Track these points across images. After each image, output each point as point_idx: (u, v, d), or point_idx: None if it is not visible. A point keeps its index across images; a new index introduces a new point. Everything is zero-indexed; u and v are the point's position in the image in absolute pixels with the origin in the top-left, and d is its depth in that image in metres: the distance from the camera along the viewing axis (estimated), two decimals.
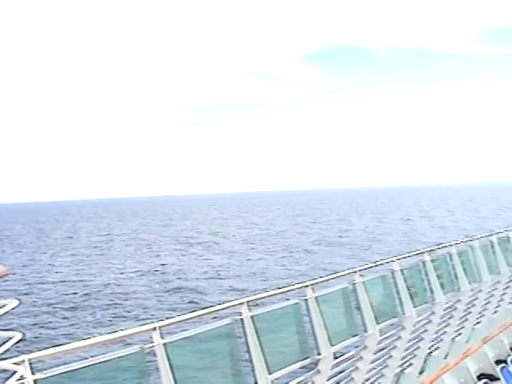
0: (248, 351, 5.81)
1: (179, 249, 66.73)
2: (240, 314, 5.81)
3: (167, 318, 5.17)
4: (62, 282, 44.37)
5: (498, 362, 11.22)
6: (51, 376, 3.97)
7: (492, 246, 12.49)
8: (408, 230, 76.58)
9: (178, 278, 43.48)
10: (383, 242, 60.90)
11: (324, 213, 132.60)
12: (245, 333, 5.81)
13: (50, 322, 30.22)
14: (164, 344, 4.89)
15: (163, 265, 52.02)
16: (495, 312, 12.78)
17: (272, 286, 33.40)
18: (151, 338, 4.87)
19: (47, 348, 4.17)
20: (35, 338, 26.15)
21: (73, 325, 29.47)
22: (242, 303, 5.86)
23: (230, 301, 5.94)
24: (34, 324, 29.65)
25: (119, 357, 4.52)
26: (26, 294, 37.99)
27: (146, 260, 56.89)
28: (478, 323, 11.90)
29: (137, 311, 31.97)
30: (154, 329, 4.88)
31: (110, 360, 4.44)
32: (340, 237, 70.06)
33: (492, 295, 12.27)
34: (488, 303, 12.17)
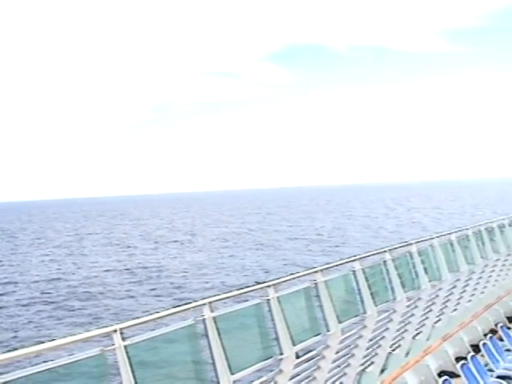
0: (210, 352, 5.80)
1: (151, 247, 66.49)
2: (202, 314, 5.79)
3: (129, 320, 5.13)
4: (35, 282, 43.95)
5: (458, 359, 11.38)
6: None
7: (451, 245, 12.68)
8: (369, 226, 77.57)
9: (149, 277, 43.25)
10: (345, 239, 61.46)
11: (290, 211, 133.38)
12: (207, 333, 5.80)
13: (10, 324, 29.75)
14: (125, 346, 4.84)
15: (137, 263, 51.77)
16: (455, 310, 12.99)
17: (234, 284, 33.83)
18: (112, 340, 4.82)
19: (3, 353, 4.10)
20: None
21: (36, 327, 29.02)
22: (205, 304, 5.84)
23: (193, 301, 5.91)
24: None
25: (79, 360, 4.46)
26: None
27: (119, 259, 56.47)
28: (438, 321, 12.08)
29: (102, 312, 31.64)
30: (115, 331, 4.82)
31: (70, 363, 4.38)
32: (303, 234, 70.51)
33: (452, 293, 12.46)
34: (448, 301, 12.36)
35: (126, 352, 4.83)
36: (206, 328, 5.79)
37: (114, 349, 4.78)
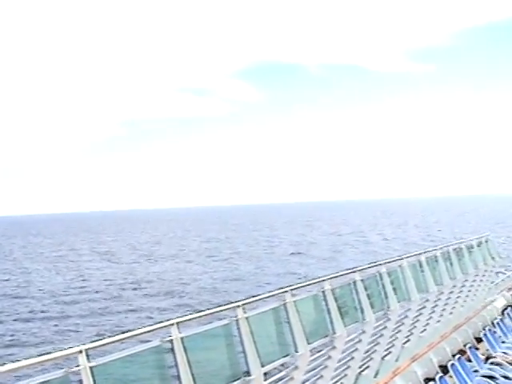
0: (177, 373, 5.73)
1: (117, 264, 65.79)
2: (170, 335, 5.73)
3: (95, 341, 5.05)
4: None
5: (426, 380, 11.43)
6: None
7: (420, 265, 12.77)
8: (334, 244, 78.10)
9: (116, 296, 42.72)
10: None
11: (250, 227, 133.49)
12: (174, 354, 5.73)
13: None
14: (91, 367, 4.76)
15: (101, 281, 51.09)
16: (424, 330, 13.04)
17: (203, 303, 33.60)
18: (77, 361, 4.74)
19: None
20: None
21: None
22: (172, 324, 5.78)
23: (160, 322, 5.85)
24: None
25: (43, 382, 4.37)
26: None
27: (81, 275, 55.79)
28: (407, 341, 12.11)
29: (67, 332, 31.15)
30: (80, 351, 4.74)
31: None
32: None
33: (420, 314, 12.52)
34: (417, 322, 12.41)
35: (92, 373, 4.75)
36: (173, 349, 5.72)
37: (78, 370, 4.70)
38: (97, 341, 5.08)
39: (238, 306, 6.74)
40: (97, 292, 45.61)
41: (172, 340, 5.72)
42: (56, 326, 33.09)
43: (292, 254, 70.89)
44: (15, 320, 35.08)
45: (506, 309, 17.89)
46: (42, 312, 37.50)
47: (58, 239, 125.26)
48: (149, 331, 5.60)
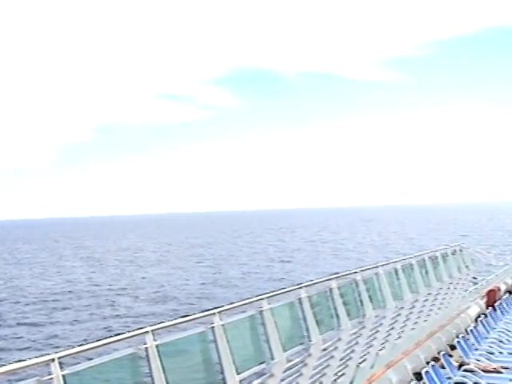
0: (152, 381, 5.66)
1: (90, 270, 65.24)
2: (145, 342, 5.67)
3: (67, 349, 4.98)
4: None
5: None
6: None
7: (396, 273, 12.84)
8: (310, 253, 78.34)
9: (87, 305, 42.28)
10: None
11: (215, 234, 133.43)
12: (149, 362, 5.67)
13: None
14: (63, 375, 4.69)
15: (77, 287, 50.59)
16: (399, 338, 13.10)
17: (179, 311, 33.42)
18: (50, 369, 4.66)
19: None
20: None
21: None
22: (147, 332, 5.72)
23: (135, 329, 5.79)
24: None
25: None
26: None
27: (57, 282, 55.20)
28: (382, 349, 12.15)
29: (41, 339, 30.76)
30: (53, 360, 4.67)
31: None
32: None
33: (396, 321, 12.57)
34: (392, 329, 12.46)
35: (65, 382, 4.68)
36: (148, 356, 5.66)
37: (51, 378, 4.62)
38: (70, 349, 5.01)
39: (214, 314, 6.70)
40: (78, 298, 45.18)
41: (147, 348, 5.65)
42: (31, 333, 32.69)
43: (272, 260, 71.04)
44: None
45: (479, 316, 18.05)
46: (16, 319, 37.01)
47: (39, 244, 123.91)
48: (123, 339, 5.53)
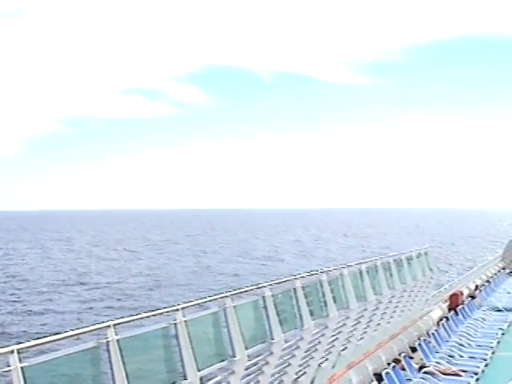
0: (112, 376, 5.67)
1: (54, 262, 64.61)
2: (106, 336, 5.66)
3: (27, 341, 4.96)
4: None
5: None
6: None
7: (361, 275, 12.96)
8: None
9: (50, 298, 41.87)
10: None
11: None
12: (110, 357, 5.66)
13: None
14: (22, 367, 4.67)
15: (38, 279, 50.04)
16: (361, 338, 13.23)
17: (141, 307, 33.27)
18: (8, 361, 4.64)
19: None
20: None
21: None
22: (109, 326, 5.72)
23: (97, 323, 5.78)
24: None
25: None
26: None
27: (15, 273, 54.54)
28: (344, 349, 12.26)
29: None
30: (12, 351, 4.65)
31: None
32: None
33: (359, 322, 12.69)
34: (355, 330, 12.57)
35: (23, 374, 4.66)
36: (108, 351, 5.66)
37: (9, 370, 4.60)
38: (30, 341, 4.99)
39: (178, 310, 6.72)
40: (35, 291, 44.73)
41: (108, 341, 5.65)
42: None
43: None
44: None
45: (441, 319, 18.32)
46: None
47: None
48: (85, 332, 5.52)
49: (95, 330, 5.63)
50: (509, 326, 18.99)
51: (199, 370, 6.77)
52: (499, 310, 21.80)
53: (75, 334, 5.39)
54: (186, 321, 6.75)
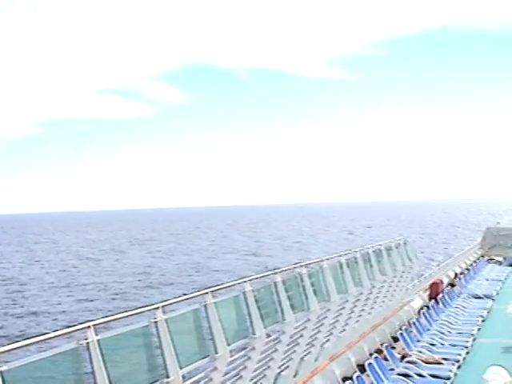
0: (93, 377, 5.64)
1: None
2: (86, 337, 5.63)
3: (5, 344, 4.92)
4: None
5: (344, 379, 11.64)
6: None
7: (341, 267, 13.02)
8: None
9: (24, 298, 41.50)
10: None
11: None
12: (90, 358, 5.64)
13: None
14: (1, 372, 4.64)
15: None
16: (343, 330, 13.30)
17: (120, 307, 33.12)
18: None
19: None
20: None
21: None
22: (89, 326, 5.69)
23: (77, 324, 5.75)
24: None
25: None
26: None
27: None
28: (326, 342, 12.32)
29: None
30: None
31: None
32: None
33: (340, 314, 12.76)
34: (336, 322, 12.64)
35: (3, 379, 4.63)
36: (89, 352, 5.63)
37: None
38: (9, 344, 4.95)
39: (157, 308, 6.70)
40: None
41: (88, 343, 5.63)
42: None
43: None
44: None
45: (422, 309, 18.46)
46: None
47: None
48: (64, 334, 5.49)
49: (75, 331, 5.60)
50: (488, 312, 19.21)
51: (181, 368, 6.76)
52: (479, 297, 22.04)
53: (55, 336, 5.36)
54: (166, 319, 6.74)
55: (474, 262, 32.48)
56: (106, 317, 6.12)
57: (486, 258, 34.88)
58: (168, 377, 6.58)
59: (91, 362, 5.65)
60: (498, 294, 22.91)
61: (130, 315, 6.39)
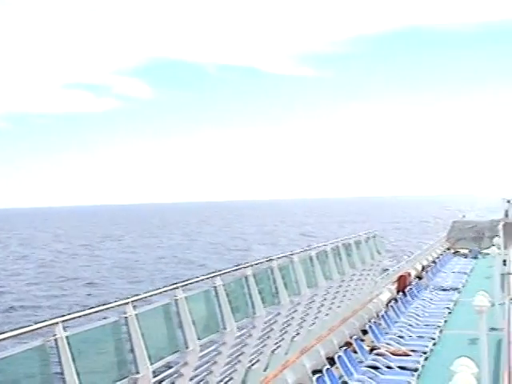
0: (62, 374, 5.54)
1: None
2: (54, 334, 5.52)
3: None
4: None
5: (314, 372, 11.68)
6: None
7: (311, 260, 13.04)
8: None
9: None
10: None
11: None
12: (59, 354, 5.53)
13: None
14: None
15: None
16: (313, 324, 13.35)
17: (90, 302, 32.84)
18: None
19: None
20: None
21: None
22: (57, 323, 5.57)
23: (44, 321, 5.62)
24: None
25: None
26: None
27: None
28: (296, 335, 12.34)
29: None
30: None
31: None
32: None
33: (310, 307, 12.80)
34: (306, 315, 12.67)
35: None
36: (58, 348, 5.52)
37: None
38: None
39: (128, 303, 6.61)
40: None
41: (57, 339, 5.51)
42: None
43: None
44: None
45: (390, 301, 18.65)
46: None
47: None
48: (32, 330, 5.37)
49: (43, 327, 5.48)
50: (455, 304, 19.50)
51: (152, 364, 6.68)
52: (445, 290, 22.38)
53: (22, 333, 5.23)
54: (136, 314, 6.65)
55: (441, 254, 32.97)
56: (76, 312, 6.01)
57: (452, 250, 35.40)
58: (138, 372, 6.49)
59: (60, 359, 5.54)
60: (463, 286, 23.30)
61: (100, 310, 6.29)
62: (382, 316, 16.47)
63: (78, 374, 5.59)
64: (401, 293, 20.18)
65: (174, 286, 7.71)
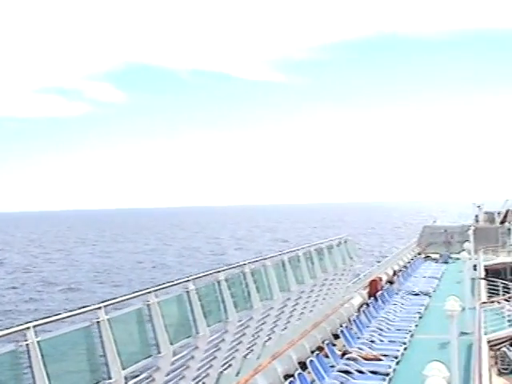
0: (33, 380, 5.49)
1: None
2: (26, 339, 5.48)
3: None
4: None
5: (286, 377, 11.73)
6: None
7: (283, 265, 13.08)
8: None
9: None
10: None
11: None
12: (30, 359, 5.49)
13: None
14: None
15: None
16: (285, 329, 13.39)
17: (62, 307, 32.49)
18: None
19: None
20: None
21: None
22: (28, 328, 5.54)
23: (15, 326, 5.58)
24: None
25: None
26: None
27: None
28: (268, 340, 12.37)
29: None
30: None
31: None
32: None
33: (282, 312, 12.83)
34: (278, 320, 12.70)
35: None
36: (29, 354, 5.48)
37: None
38: None
39: (100, 308, 6.58)
40: None
41: (28, 344, 5.48)
42: None
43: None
44: None
45: (361, 306, 18.77)
46: None
47: None
48: (3, 335, 5.33)
49: (14, 332, 5.44)
50: (426, 309, 19.69)
51: (124, 369, 6.67)
52: (416, 294, 22.57)
53: None
54: (108, 319, 6.63)
55: (412, 259, 33.26)
56: (48, 317, 5.97)
57: (423, 255, 35.75)
58: (110, 378, 6.47)
59: (31, 364, 5.50)
60: (434, 290, 23.55)
61: (73, 315, 6.26)
62: (354, 321, 16.56)
63: (49, 380, 5.55)
64: (372, 297, 20.32)
65: (147, 290, 7.70)
